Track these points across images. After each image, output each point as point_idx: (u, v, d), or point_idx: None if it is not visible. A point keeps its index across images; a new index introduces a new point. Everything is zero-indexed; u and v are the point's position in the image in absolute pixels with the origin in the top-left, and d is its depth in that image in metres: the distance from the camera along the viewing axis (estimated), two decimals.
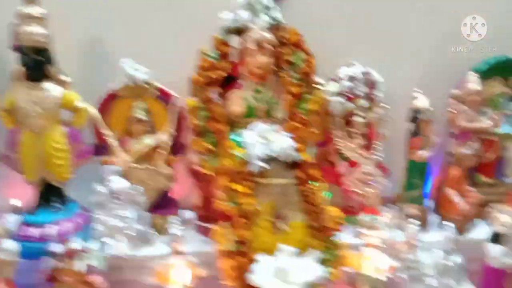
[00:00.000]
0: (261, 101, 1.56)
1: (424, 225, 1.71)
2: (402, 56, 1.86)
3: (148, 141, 1.64)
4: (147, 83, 1.62)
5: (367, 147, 1.75)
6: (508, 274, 1.58)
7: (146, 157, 1.65)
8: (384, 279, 1.38)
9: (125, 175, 1.60)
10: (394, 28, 1.85)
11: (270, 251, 1.22)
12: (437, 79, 1.88)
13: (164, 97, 1.65)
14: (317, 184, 1.33)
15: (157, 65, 1.63)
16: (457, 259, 1.57)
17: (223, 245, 1.21)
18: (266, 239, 1.24)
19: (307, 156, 1.35)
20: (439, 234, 1.58)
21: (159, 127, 1.66)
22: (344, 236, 1.55)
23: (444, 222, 1.63)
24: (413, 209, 1.72)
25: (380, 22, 1.84)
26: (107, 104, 1.65)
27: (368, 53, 1.81)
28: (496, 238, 1.56)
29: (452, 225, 1.65)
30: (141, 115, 1.62)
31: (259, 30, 1.52)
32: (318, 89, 1.61)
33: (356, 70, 1.71)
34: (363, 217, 1.45)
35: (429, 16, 1.86)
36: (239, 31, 1.55)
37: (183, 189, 1.77)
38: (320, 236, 1.27)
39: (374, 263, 1.39)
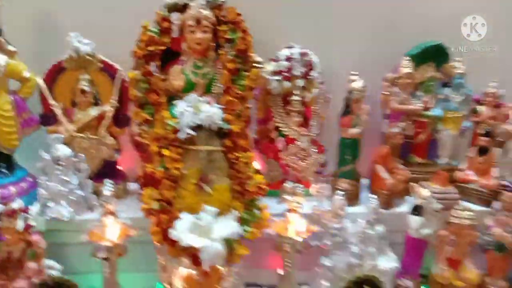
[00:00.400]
0: (200, 75, 1.64)
1: (355, 198, 1.82)
2: (341, 39, 1.96)
3: (92, 112, 1.71)
4: (90, 55, 1.69)
5: (304, 124, 1.86)
6: (427, 243, 1.71)
7: (90, 127, 1.72)
8: (300, 240, 1.47)
9: (68, 143, 1.67)
10: (335, 12, 1.95)
11: (194, 210, 1.31)
12: (375, 62, 1.99)
13: (108, 69, 1.73)
14: (244, 153, 1.42)
15: (104, 39, 1.71)
16: (380, 229, 1.69)
17: (148, 204, 1.30)
18: (191, 200, 1.33)
19: (237, 127, 1.44)
20: (365, 207, 1.70)
21: (103, 99, 1.74)
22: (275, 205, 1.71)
23: (371, 196, 1.75)
24: (344, 184, 1.83)
25: (321, 5, 1.94)
26: (54, 75, 1.71)
27: (308, 36, 1.91)
28: (416, 210, 1.68)
29: (378, 198, 1.79)
30: (85, 86, 1.69)
31: (198, 8, 1.60)
32: (255, 66, 1.69)
33: (294, 51, 1.80)
34: (286, 184, 1.55)
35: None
36: (181, 8, 1.63)
37: (129, 160, 1.85)
38: (242, 199, 1.36)
39: (294, 227, 1.48)
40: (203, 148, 1.38)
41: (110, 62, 1.72)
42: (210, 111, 1.39)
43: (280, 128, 1.83)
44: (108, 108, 1.71)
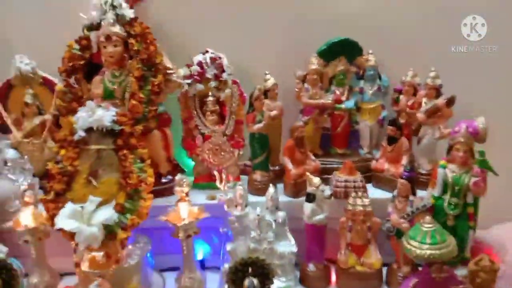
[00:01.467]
0: (117, 84, 1.88)
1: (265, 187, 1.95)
2: (260, 42, 2.11)
3: (35, 120, 2.03)
4: (32, 73, 2.00)
5: (221, 122, 2.02)
6: (324, 229, 1.81)
7: (36, 133, 2.04)
8: (187, 222, 1.66)
9: (17, 147, 2.00)
10: (249, 17, 2.10)
11: (83, 201, 1.55)
12: (294, 60, 2.10)
13: (48, 84, 2.04)
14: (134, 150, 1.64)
15: (45, 58, 2.02)
16: (281, 215, 1.81)
17: (46, 195, 1.57)
18: (81, 192, 1.58)
19: (128, 127, 1.66)
20: (267, 195, 1.83)
21: (46, 109, 2.05)
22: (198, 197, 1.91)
23: (277, 185, 1.87)
24: (256, 175, 1.98)
25: (235, 12, 2.10)
26: (6, 91, 2.06)
27: (226, 40, 2.08)
28: (309, 198, 1.78)
29: (285, 188, 1.91)
30: (28, 99, 2.01)
31: (108, 25, 1.84)
32: (167, 73, 1.90)
33: (206, 56, 1.98)
34: (178, 177, 1.73)
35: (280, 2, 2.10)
36: (96, 26, 1.88)
37: None
38: (125, 190, 1.58)
39: (183, 214, 1.67)
40: (93, 147, 1.62)
41: (50, 78, 2.04)
42: (100, 115, 1.62)
43: (199, 127, 2.03)
44: (48, 117, 2.02)
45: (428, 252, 1.51)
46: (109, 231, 1.54)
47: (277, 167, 2.10)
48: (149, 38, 1.87)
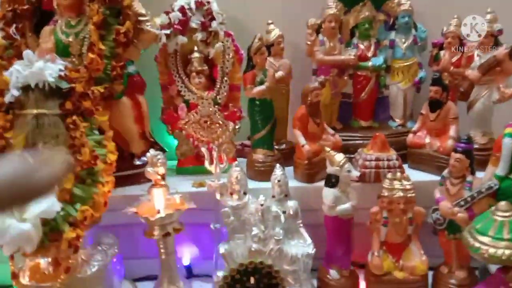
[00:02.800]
0: (73, 35, 1.42)
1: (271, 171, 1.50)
2: None
3: None
4: None
5: (210, 87, 1.57)
6: (350, 223, 1.36)
7: None
8: (163, 215, 1.20)
9: None
10: None
11: None
12: (298, 6, 1.66)
13: None
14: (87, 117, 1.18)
15: None
16: (292, 206, 1.36)
17: None
18: None
19: (80, 86, 1.20)
20: (273, 179, 1.37)
21: None
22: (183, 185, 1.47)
23: (287, 168, 1.42)
24: (258, 154, 1.52)
25: None
26: None
27: None
28: (330, 181, 1.33)
29: (296, 170, 1.46)
30: None
31: None
32: (139, 21, 1.44)
33: (191, 0, 1.53)
34: (149, 153, 1.27)
35: None
36: None
37: None
38: (74, 171, 1.12)
39: (159, 204, 1.21)
40: (31, 112, 1.16)
41: None
42: (40, 67, 1.16)
43: (182, 93, 1.57)
44: None
45: (508, 252, 1.07)
46: (51, 228, 1.08)
47: (283, 145, 1.66)
48: None
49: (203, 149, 1.38)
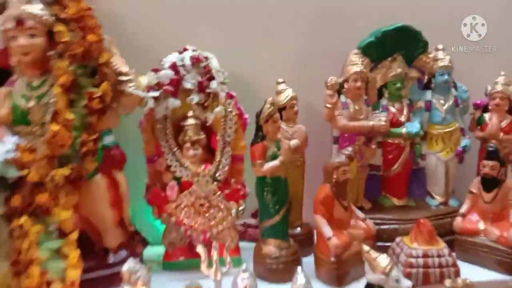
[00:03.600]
0: (35, 99, 1.12)
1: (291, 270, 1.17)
2: (267, 36, 1.41)
3: None
4: None
5: (209, 160, 1.27)
6: None
7: None
8: None
9: None
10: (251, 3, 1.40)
11: None
12: (318, 63, 1.39)
13: None
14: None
15: None
16: None
17: None
18: None
19: (35, 174, 0.88)
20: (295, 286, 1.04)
21: None
22: None
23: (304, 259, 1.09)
24: (269, 247, 1.19)
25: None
26: None
27: (219, 36, 1.39)
28: None
29: (320, 269, 1.14)
30: None
31: (19, 3, 1.10)
32: (120, 81, 1.16)
33: (185, 55, 1.25)
34: (126, 266, 0.93)
35: None
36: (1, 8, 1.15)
37: None
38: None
39: None
40: None
41: None
42: None
43: (172, 168, 1.26)
44: None
45: None
46: None
47: (298, 230, 1.34)
48: (89, 23, 1.14)
49: (199, 248, 1.05)
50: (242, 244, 1.33)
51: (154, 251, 1.35)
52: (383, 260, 1.00)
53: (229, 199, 1.25)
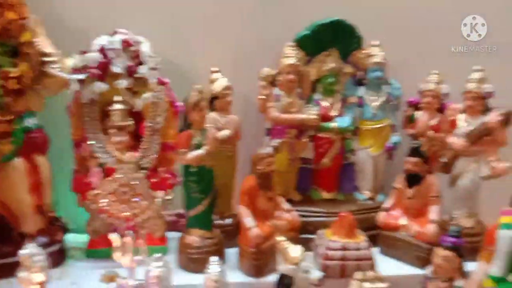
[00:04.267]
0: None
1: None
2: (199, 23, 1.37)
3: None
4: None
5: (135, 146, 1.24)
6: None
7: None
8: None
9: None
10: None
11: None
12: (255, 53, 1.38)
13: None
14: None
15: None
16: None
17: None
18: None
19: None
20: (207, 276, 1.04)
21: None
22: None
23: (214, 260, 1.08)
24: (193, 237, 1.19)
25: None
26: None
27: (149, 20, 1.35)
28: (283, 283, 1.01)
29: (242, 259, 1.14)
30: None
31: None
32: (44, 62, 1.12)
33: (115, 38, 1.21)
34: (23, 249, 0.90)
35: None
36: None
37: None
38: None
39: None
40: None
41: None
42: None
43: (97, 153, 1.23)
44: None
45: None
46: None
47: (228, 220, 1.33)
48: (10, 0, 1.09)
49: (112, 236, 1.03)
50: (174, 236, 1.33)
51: (80, 239, 1.34)
52: (294, 251, 1.01)
53: (156, 188, 1.23)
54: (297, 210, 1.30)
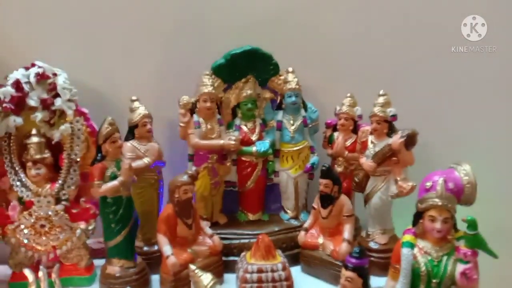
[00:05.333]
0: None
1: None
2: (124, 56, 1.41)
3: None
4: None
5: (55, 178, 1.24)
6: None
7: None
8: None
9: None
10: (107, 18, 1.38)
11: None
12: (170, 82, 1.42)
13: None
14: None
15: None
16: None
17: None
18: None
19: None
20: None
21: None
22: None
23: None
24: (113, 266, 1.19)
25: (86, 9, 1.37)
26: None
27: (67, 51, 1.36)
28: None
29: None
30: None
31: None
32: None
33: (30, 71, 1.21)
34: None
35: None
36: None
37: None
38: None
39: None
40: None
41: None
42: None
43: (15, 188, 1.22)
44: None
45: None
46: None
47: (155, 247, 1.34)
48: None
49: (26, 271, 1.03)
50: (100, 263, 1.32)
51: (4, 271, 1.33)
52: (205, 279, 1.03)
53: (76, 219, 1.24)
54: (223, 233, 1.33)
